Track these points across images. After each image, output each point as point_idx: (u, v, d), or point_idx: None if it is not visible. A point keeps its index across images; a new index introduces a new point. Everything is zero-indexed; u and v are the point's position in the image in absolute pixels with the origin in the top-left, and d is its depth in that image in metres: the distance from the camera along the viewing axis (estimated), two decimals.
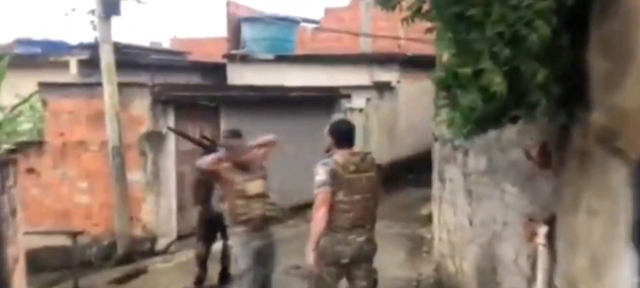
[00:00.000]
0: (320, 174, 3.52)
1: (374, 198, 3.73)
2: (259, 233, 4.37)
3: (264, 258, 4.42)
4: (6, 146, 5.38)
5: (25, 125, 9.12)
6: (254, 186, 4.38)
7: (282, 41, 12.84)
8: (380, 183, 3.91)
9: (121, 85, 7.70)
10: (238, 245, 4.35)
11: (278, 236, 8.79)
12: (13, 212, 4.73)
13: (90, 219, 7.95)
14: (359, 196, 3.59)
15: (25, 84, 8.54)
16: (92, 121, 7.89)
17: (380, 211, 9.59)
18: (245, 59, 12.79)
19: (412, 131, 12.44)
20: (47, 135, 8.05)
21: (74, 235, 6.83)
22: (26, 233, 7.50)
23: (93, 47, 8.98)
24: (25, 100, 5.22)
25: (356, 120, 11.30)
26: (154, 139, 7.87)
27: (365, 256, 3.71)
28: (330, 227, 3.52)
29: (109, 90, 7.48)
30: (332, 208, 3.51)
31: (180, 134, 6.40)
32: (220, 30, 14.63)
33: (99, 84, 7.73)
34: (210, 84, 11.31)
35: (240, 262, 4.34)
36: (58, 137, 7.93)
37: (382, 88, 11.78)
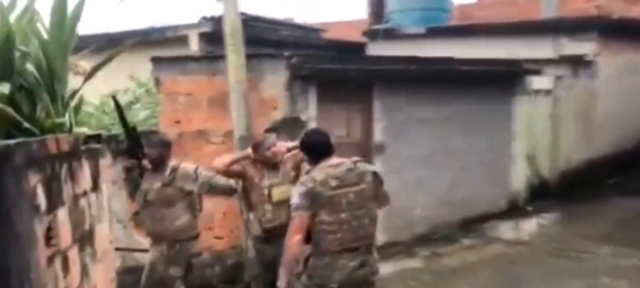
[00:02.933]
0: (294, 197, 3.18)
1: (368, 214, 3.24)
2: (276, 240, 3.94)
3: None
4: (82, 129, 3.54)
5: (142, 114, 7.71)
6: (281, 192, 4.14)
7: (435, 11, 10.47)
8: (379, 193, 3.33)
9: (250, 58, 5.84)
10: (252, 250, 4.28)
11: (456, 262, 6.51)
12: (85, 239, 2.94)
13: (212, 231, 6.20)
14: (345, 215, 3.15)
15: (141, 65, 7.08)
16: (214, 105, 6.14)
17: (596, 231, 6.77)
18: (389, 35, 10.59)
19: (616, 121, 9.40)
20: (161, 124, 6.46)
21: None
22: (131, 250, 5.95)
23: (216, 20, 7.33)
24: (102, 64, 3.39)
25: (541, 105, 8.58)
26: (292, 127, 5.91)
27: (359, 282, 3.23)
28: (317, 250, 3.18)
29: (234, 61, 5.64)
30: (315, 231, 3.15)
31: (119, 110, 4.25)
32: (357, 12, 12.56)
33: (222, 56, 5.94)
34: (362, 56, 9.20)
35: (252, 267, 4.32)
36: (174, 126, 6.28)
37: (575, 63, 8.91)
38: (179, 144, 6.31)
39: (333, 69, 6.03)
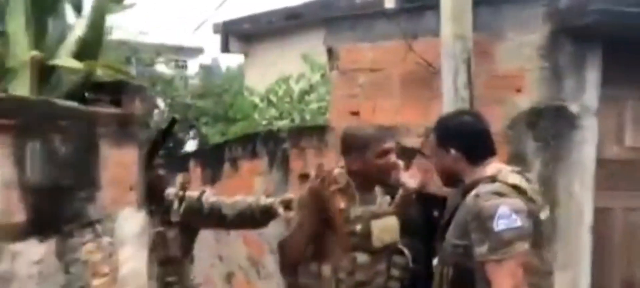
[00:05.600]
0: (508, 218, 1.73)
1: None
2: None
3: None
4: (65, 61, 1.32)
5: (313, 106, 5.78)
6: (387, 229, 2.33)
7: None
8: None
9: (478, 4, 3.37)
10: None
11: None
12: None
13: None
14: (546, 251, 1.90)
15: (317, 43, 5.14)
16: (412, 86, 3.82)
17: None
18: None
19: None
20: (332, 115, 4.39)
21: None
22: None
23: None
24: None
25: None
26: (548, 124, 3.28)
27: None
28: None
29: (450, 11, 3.24)
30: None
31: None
32: None
33: (431, 7, 3.60)
34: None
35: None
36: (348, 119, 4.13)
37: None
38: None
39: None
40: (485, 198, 1.79)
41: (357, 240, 2.26)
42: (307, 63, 5.80)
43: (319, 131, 4.39)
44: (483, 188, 1.82)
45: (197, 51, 18.27)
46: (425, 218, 3.36)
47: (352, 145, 2.33)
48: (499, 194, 1.79)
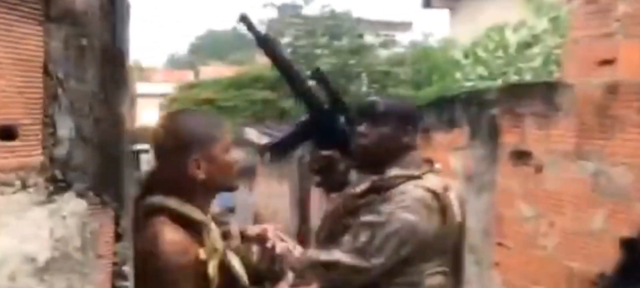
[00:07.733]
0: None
1: None
2: None
3: None
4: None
5: (537, 62, 4.32)
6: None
7: None
8: None
9: None
10: None
11: None
12: None
13: None
14: None
15: None
16: None
17: None
18: None
19: None
20: (568, 65, 2.99)
21: None
22: None
23: None
24: None
25: None
26: None
27: None
28: None
29: None
30: None
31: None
32: None
33: None
34: None
35: None
36: (598, 70, 2.71)
37: None
38: (588, 109, 2.70)
39: None
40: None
41: None
42: (532, 4, 4.33)
43: (545, 90, 3.04)
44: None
45: (406, 26, 19.15)
46: None
47: (186, 140, 1.45)
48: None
